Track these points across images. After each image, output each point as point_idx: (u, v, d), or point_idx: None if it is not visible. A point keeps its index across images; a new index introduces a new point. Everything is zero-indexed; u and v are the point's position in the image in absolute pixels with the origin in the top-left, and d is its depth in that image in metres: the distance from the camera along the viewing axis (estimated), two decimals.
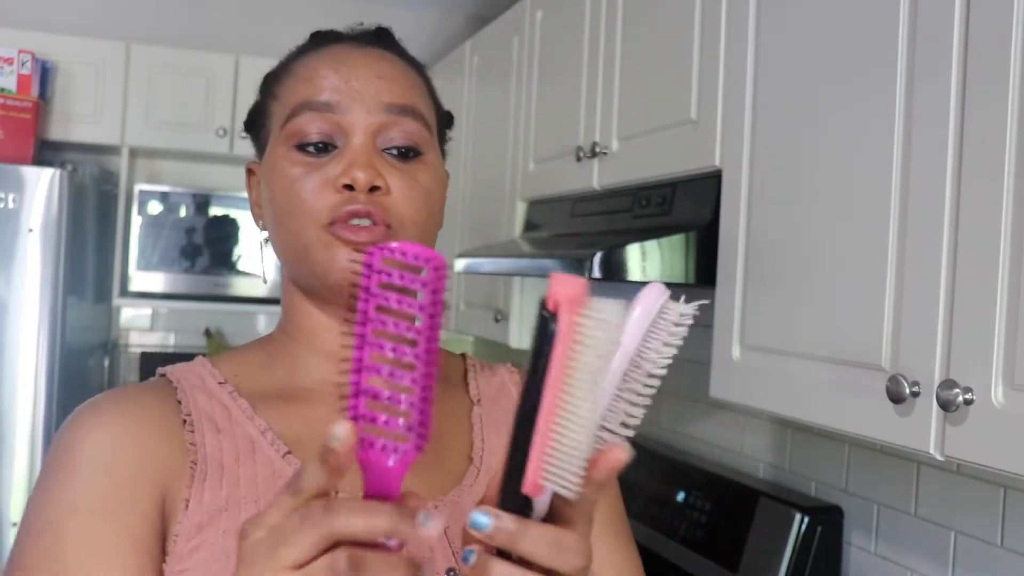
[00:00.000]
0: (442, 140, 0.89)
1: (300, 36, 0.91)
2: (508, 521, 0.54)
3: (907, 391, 1.04)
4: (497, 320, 2.32)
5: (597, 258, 1.45)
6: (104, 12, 3.19)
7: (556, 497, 0.56)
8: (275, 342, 0.87)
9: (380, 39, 0.87)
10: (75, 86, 2.95)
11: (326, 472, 0.52)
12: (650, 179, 1.65)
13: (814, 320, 1.22)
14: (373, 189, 0.78)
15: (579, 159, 1.88)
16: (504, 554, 0.55)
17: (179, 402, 0.80)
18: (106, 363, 3.19)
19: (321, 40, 0.87)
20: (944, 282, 1.03)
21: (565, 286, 0.53)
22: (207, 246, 3.08)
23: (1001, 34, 0.97)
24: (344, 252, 0.77)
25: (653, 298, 0.56)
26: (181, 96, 3.05)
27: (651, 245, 1.48)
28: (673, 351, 0.57)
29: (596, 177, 1.83)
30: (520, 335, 2.25)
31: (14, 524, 2.47)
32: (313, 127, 0.79)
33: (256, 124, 0.87)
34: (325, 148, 0.80)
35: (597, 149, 1.81)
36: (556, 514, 0.57)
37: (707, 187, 1.50)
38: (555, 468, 0.54)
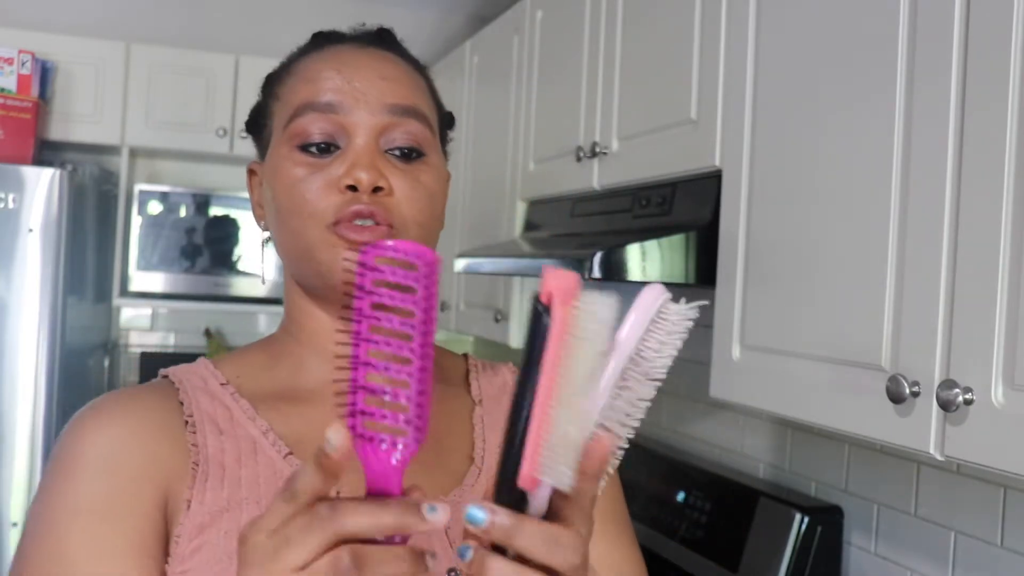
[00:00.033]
0: (444, 141, 0.89)
1: (300, 36, 0.91)
2: (504, 516, 0.54)
3: (907, 391, 1.04)
4: (497, 320, 2.32)
5: (597, 258, 1.45)
6: (104, 12, 3.19)
7: (555, 496, 0.56)
8: (277, 343, 0.87)
9: (382, 40, 0.87)
10: (75, 86, 2.95)
11: (322, 476, 0.52)
12: (650, 179, 1.65)
13: (814, 320, 1.22)
14: (376, 190, 0.78)
15: (579, 159, 1.88)
16: (500, 551, 0.55)
17: (181, 403, 0.80)
18: (106, 363, 3.19)
19: (323, 41, 0.87)
20: (944, 282, 1.03)
21: (558, 279, 0.54)
22: (207, 246, 3.08)
23: (1001, 34, 0.97)
24: (348, 253, 0.77)
25: (652, 299, 0.56)
26: (181, 96, 3.05)
27: (651, 245, 1.48)
28: (673, 352, 0.57)
29: (596, 177, 1.83)
30: (520, 335, 2.25)
31: (14, 524, 2.47)
32: (316, 127, 0.79)
33: (258, 124, 0.87)
34: (328, 149, 0.80)
35: (597, 149, 1.81)
36: (555, 513, 0.57)
37: (707, 187, 1.50)
38: (550, 461, 0.54)
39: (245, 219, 3.12)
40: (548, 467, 0.54)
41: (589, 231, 1.85)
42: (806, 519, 1.63)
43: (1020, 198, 0.95)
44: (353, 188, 0.77)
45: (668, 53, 1.61)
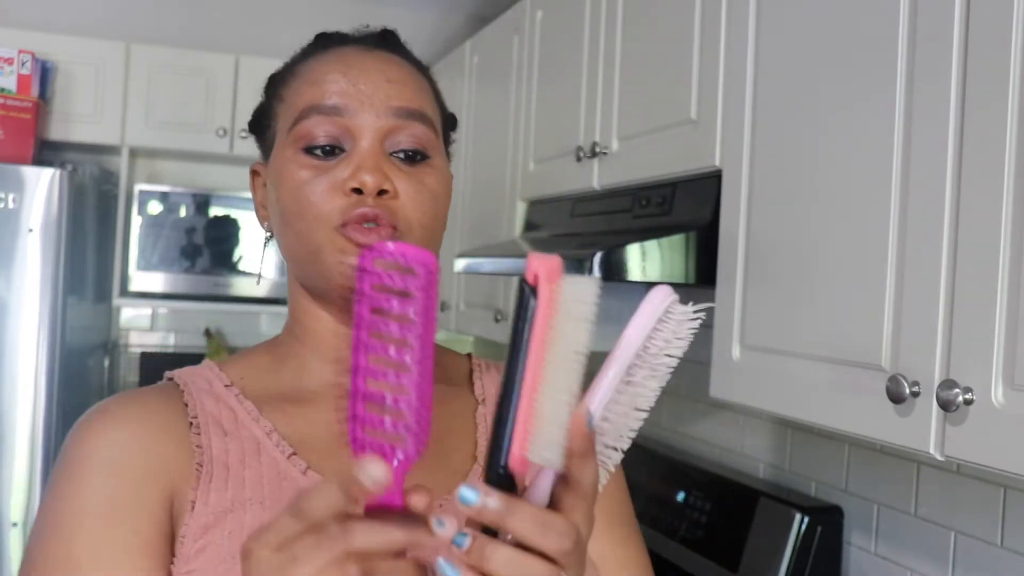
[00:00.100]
0: (447, 142, 0.89)
1: (300, 36, 0.91)
2: (496, 497, 0.54)
3: (907, 391, 1.05)
4: (497, 320, 2.32)
5: (597, 258, 1.45)
6: (104, 12, 3.19)
7: (556, 487, 0.56)
8: (282, 345, 0.87)
9: (387, 42, 0.87)
10: (75, 86, 2.95)
11: (344, 501, 0.52)
12: (650, 179, 1.65)
13: (814, 320, 1.22)
14: (381, 193, 0.78)
15: (579, 159, 1.88)
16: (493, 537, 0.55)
17: (186, 405, 0.80)
18: (106, 363, 3.19)
19: (327, 42, 0.87)
20: (944, 282, 1.03)
21: (543, 260, 0.55)
22: (207, 246, 3.08)
23: (1001, 34, 0.97)
24: (354, 254, 0.77)
25: (660, 299, 0.57)
26: (181, 96, 3.05)
27: (651, 245, 1.48)
28: (678, 351, 0.58)
29: (596, 177, 1.83)
30: None
31: (14, 524, 2.47)
32: (321, 130, 0.80)
33: (261, 125, 0.88)
34: (332, 151, 0.80)
35: (597, 149, 1.81)
36: (556, 505, 0.57)
37: (707, 187, 1.50)
38: (539, 441, 0.54)
39: (245, 219, 3.12)
40: (537, 448, 0.54)
41: (589, 231, 1.85)
42: (806, 519, 1.63)
43: (1020, 198, 0.95)
44: (358, 191, 0.77)
45: (668, 53, 1.61)
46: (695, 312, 0.58)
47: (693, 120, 1.53)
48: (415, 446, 0.54)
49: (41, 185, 2.51)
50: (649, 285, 0.60)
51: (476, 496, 0.53)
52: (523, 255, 1.80)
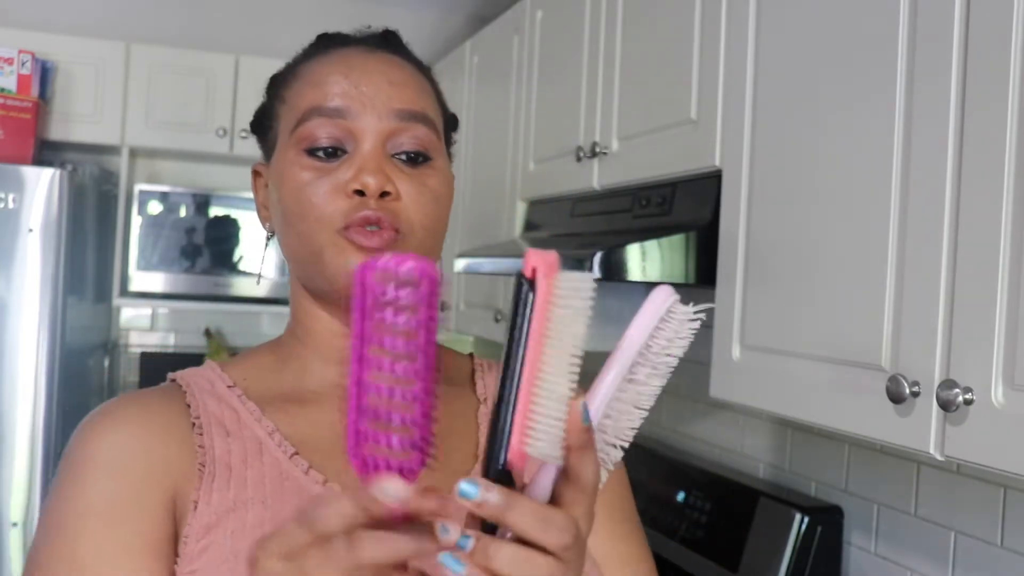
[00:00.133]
0: (448, 143, 0.89)
1: (300, 36, 0.91)
2: (496, 491, 0.53)
3: (907, 391, 1.05)
4: (497, 320, 2.32)
5: (597, 258, 1.45)
6: (104, 12, 3.19)
7: (556, 483, 0.56)
8: (284, 345, 0.87)
9: (389, 43, 0.87)
10: (75, 86, 2.95)
11: (358, 515, 0.52)
12: (650, 179, 1.65)
13: (814, 320, 1.23)
14: (384, 195, 0.78)
15: (579, 159, 1.88)
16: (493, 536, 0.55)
17: (188, 406, 0.81)
18: (106, 363, 3.19)
19: (329, 43, 0.87)
20: (944, 282, 1.03)
21: (540, 256, 0.55)
22: (207, 246, 3.08)
23: (1001, 34, 0.97)
24: (356, 257, 0.77)
25: (662, 299, 0.58)
26: (181, 96, 3.05)
27: (651, 245, 1.48)
28: (679, 351, 0.58)
29: (596, 177, 1.83)
30: None
31: (14, 524, 2.47)
32: (323, 132, 0.80)
33: (262, 126, 0.88)
34: (335, 153, 0.80)
35: (597, 149, 1.81)
36: (556, 499, 0.57)
37: (707, 187, 1.50)
38: (537, 435, 0.54)
39: (245, 219, 3.12)
40: (535, 442, 0.54)
41: (589, 231, 1.86)
42: (806, 519, 1.63)
43: (1020, 198, 0.95)
44: (360, 193, 0.77)
45: (668, 53, 1.61)
46: (696, 312, 0.58)
47: (693, 120, 1.53)
48: (419, 460, 0.54)
49: (41, 185, 2.51)
50: (649, 285, 0.60)
51: (476, 491, 0.53)
52: (523, 255, 1.80)
